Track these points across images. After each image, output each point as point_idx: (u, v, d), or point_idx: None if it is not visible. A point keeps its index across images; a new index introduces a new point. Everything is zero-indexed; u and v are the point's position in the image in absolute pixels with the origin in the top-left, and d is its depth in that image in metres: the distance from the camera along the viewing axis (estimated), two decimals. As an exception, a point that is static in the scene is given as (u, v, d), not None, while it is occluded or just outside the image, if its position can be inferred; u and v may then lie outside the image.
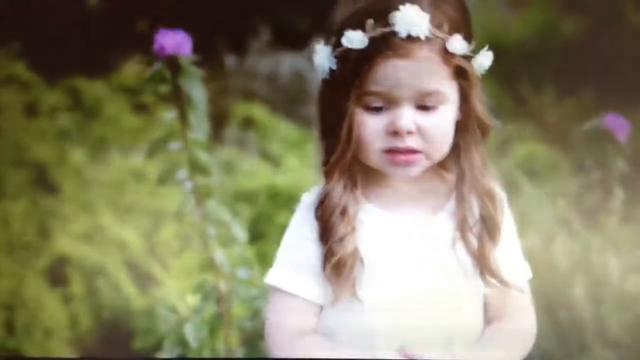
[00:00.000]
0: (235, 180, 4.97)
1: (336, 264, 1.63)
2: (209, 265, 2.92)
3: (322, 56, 1.63)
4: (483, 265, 1.68)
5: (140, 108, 5.32)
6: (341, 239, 1.63)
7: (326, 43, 1.65)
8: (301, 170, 5.27)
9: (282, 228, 5.15)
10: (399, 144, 1.62)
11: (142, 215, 4.79)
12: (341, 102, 1.60)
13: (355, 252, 1.64)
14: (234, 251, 2.98)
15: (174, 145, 2.91)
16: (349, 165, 1.65)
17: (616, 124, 3.28)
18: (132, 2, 5.90)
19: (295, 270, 1.69)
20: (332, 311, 1.66)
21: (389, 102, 1.60)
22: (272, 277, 1.73)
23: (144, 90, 2.83)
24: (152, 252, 4.73)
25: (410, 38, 1.57)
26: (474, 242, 1.68)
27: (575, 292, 3.21)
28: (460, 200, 1.68)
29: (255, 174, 5.22)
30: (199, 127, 2.86)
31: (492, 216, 1.68)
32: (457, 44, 1.60)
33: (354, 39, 1.57)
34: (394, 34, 1.57)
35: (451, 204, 1.70)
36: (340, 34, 1.61)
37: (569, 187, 3.58)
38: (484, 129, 1.68)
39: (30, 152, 4.83)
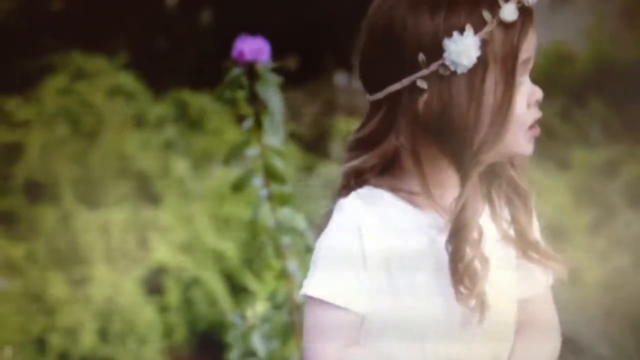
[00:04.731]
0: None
1: (473, 272, 1.51)
2: (282, 274, 2.88)
3: (469, 44, 1.51)
4: (522, 239, 1.58)
5: (243, 120, 5.34)
6: (475, 243, 1.51)
7: (461, 32, 1.51)
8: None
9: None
10: (538, 114, 1.55)
11: (239, 227, 4.78)
12: (494, 86, 1.51)
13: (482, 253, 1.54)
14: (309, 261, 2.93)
15: (252, 152, 2.88)
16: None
17: None
18: (240, 21, 5.95)
19: (338, 280, 1.49)
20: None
21: (525, 72, 1.55)
22: (313, 288, 1.50)
23: (221, 96, 2.81)
24: (249, 264, 4.72)
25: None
26: (507, 225, 1.58)
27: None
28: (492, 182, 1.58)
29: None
30: (275, 133, 2.83)
31: (520, 182, 1.58)
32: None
33: (511, 12, 1.52)
34: (526, 2, 1.54)
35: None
36: (477, 16, 1.51)
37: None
38: None
39: (134, 162, 4.88)
